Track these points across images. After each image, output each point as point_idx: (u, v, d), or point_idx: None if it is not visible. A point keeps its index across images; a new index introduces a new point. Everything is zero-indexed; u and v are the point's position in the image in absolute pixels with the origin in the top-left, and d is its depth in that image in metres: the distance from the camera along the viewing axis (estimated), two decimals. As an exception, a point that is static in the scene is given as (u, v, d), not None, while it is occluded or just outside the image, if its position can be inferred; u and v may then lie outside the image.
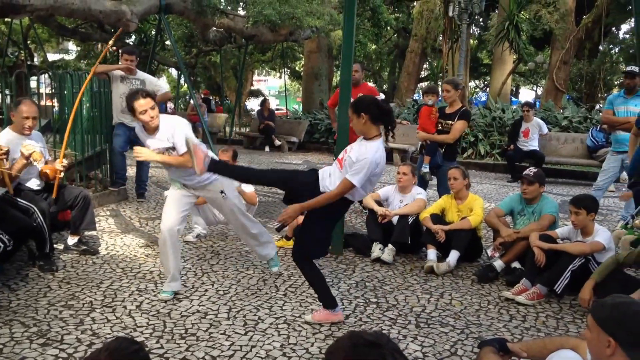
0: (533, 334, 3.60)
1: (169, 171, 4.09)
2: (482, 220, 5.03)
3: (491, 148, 12.14)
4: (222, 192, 4.04)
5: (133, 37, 20.66)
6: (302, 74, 23.05)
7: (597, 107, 15.70)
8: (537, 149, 10.05)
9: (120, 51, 7.22)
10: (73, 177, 6.44)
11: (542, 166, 9.57)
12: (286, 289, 4.26)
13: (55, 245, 4.74)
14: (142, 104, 3.74)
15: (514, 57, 18.16)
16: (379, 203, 5.41)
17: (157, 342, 3.26)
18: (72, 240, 4.89)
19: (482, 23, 23.89)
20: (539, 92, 30.15)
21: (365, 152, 3.36)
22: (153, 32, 16.53)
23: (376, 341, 1.57)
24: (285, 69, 24.70)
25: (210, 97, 21.77)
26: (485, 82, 30.70)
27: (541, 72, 24.18)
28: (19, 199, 4.36)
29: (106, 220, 6.09)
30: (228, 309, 3.81)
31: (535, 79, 29.65)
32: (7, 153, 3.97)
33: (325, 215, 3.54)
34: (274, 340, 3.35)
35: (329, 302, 3.65)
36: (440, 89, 8.23)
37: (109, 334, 3.33)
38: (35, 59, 24.05)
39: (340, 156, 3.58)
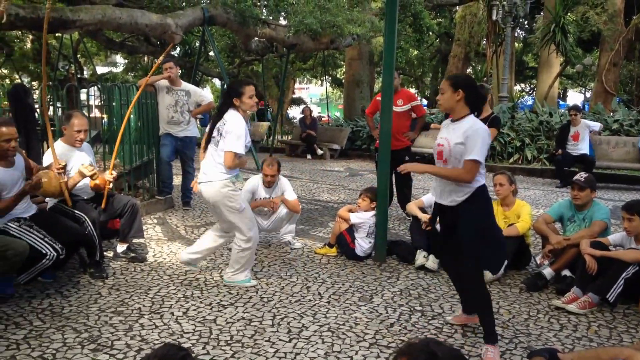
0: (585, 343, 3.49)
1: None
2: (530, 227, 4.92)
3: (538, 153, 11.88)
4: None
5: (178, 49, 21.14)
6: (343, 81, 23.09)
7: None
8: (588, 152, 9.76)
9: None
10: (122, 186, 6.60)
11: (592, 171, 9.31)
12: (330, 296, 4.25)
13: (105, 253, 4.87)
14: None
15: (561, 59, 17.78)
16: (423, 210, 5.35)
17: (203, 348, 3.29)
18: (121, 247, 5.01)
19: (527, 26, 23.49)
20: (588, 95, 29.37)
21: (472, 126, 3.23)
22: (197, 44, 16.84)
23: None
24: (327, 77, 24.80)
25: (269, 107, 21.94)
26: (532, 86, 30.14)
27: (590, 74, 23.57)
28: (70, 209, 4.50)
29: (153, 228, 6.22)
30: (272, 316, 3.83)
31: (583, 81, 28.91)
32: (64, 167, 4.11)
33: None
34: (318, 348, 3.35)
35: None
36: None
37: (157, 340, 3.39)
38: (85, 72, 24.88)
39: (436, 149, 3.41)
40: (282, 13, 15.14)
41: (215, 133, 4.19)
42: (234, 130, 4.07)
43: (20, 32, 19.41)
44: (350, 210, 5.42)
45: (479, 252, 3.29)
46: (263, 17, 13.63)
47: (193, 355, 3.09)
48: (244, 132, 4.09)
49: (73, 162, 4.65)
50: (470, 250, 3.29)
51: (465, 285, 3.59)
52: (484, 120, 5.66)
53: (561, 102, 23.60)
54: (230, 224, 4.32)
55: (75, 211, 4.50)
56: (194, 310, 3.90)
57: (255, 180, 5.59)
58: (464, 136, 3.23)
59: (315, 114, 27.79)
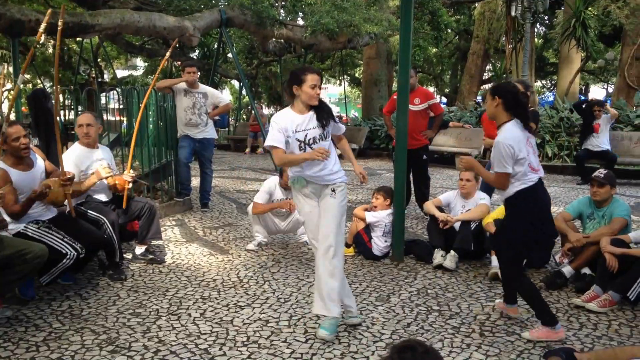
0: (605, 342, 3.44)
1: (295, 167, 3.67)
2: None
3: (559, 149, 11.73)
4: (333, 190, 3.62)
5: (197, 51, 21.30)
6: (361, 80, 23.03)
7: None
8: (609, 148, 9.60)
9: (181, 65, 7.44)
10: (141, 189, 6.67)
11: (613, 167, 9.16)
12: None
13: (124, 255, 4.92)
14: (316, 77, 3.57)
15: (582, 54, 17.52)
16: (441, 209, 5.32)
17: (220, 349, 3.31)
18: (139, 249, 5.06)
19: (547, 21, 23.16)
20: (610, 90, 28.90)
21: (498, 137, 3.50)
22: (215, 46, 16.94)
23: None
24: (345, 76, 24.76)
25: None
26: (552, 82, 29.73)
27: (612, 69, 23.16)
28: (89, 211, 4.56)
29: (172, 229, 6.27)
30: (289, 316, 3.84)
31: (605, 76, 28.43)
32: (71, 179, 4.15)
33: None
34: (334, 348, 3.34)
35: (547, 319, 3.47)
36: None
37: (174, 341, 3.42)
38: (105, 76, 25.16)
39: None
40: (299, 13, 15.19)
41: None
42: (271, 124, 3.67)
43: (43, 38, 19.70)
44: (366, 210, 5.41)
45: (515, 249, 3.57)
46: (280, 18, 13.67)
47: (209, 356, 3.11)
48: (275, 125, 3.57)
49: (89, 163, 4.71)
50: (505, 246, 3.63)
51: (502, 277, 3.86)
52: None
53: (582, 98, 23.25)
54: None
55: (94, 213, 4.56)
56: (211, 311, 3.92)
57: (273, 182, 5.61)
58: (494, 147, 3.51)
59: (334, 113, 27.72)
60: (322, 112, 3.62)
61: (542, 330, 3.47)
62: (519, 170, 3.44)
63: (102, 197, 4.83)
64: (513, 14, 13.64)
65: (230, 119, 21.71)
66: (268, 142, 3.57)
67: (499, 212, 5.04)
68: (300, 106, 3.61)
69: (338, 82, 30.25)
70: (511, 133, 3.44)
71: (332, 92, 43.20)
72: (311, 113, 3.60)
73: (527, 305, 4.02)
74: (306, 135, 3.57)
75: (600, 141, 9.55)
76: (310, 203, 3.66)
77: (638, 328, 3.67)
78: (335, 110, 34.89)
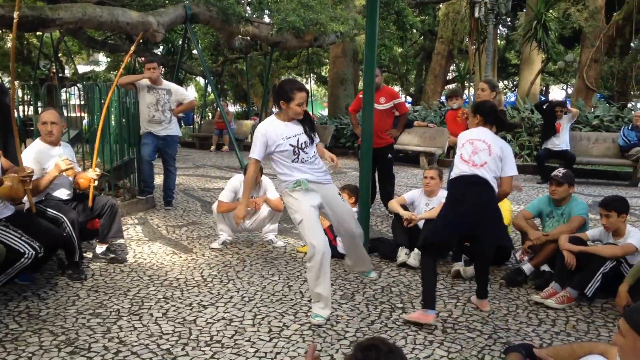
0: (563, 338, 3.52)
1: (295, 172, 3.78)
2: (510, 223, 4.95)
3: (520, 149, 11.96)
4: (339, 193, 4.04)
5: (161, 47, 21.00)
6: (327, 79, 23.07)
7: (629, 105, 15.34)
8: (569, 148, 9.83)
9: (143, 62, 7.33)
10: (102, 187, 6.54)
11: (572, 167, 9.39)
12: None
13: (84, 254, 4.82)
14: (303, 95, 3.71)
15: (543, 56, 17.89)
16: (405, 207, 5.36)
17: (183, 349, 3.27)
18: (100, 248, 4.96)
19: (509, 23, 23.58)
20: (570, 91, 29.61)
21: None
22: (180, 42, 16.73)
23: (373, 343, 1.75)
24: (311, 75, 24.76)
25: (253, 105, 21.79)
26: (514, 83, 30.30)
27: (571, 71, 23.72)
28: (48, 209, 4.45)
29: (134, 228, 6.17)
30: (253, 315, 3.82)
31: (565, 78, 29.11)
32: (31, 175, 4.05)
33: None
34: (299, 347, 3.34)
35: (427, 303, 3.70)
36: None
37: (136, 341, 3.36)
38: (67, 71, 24.60)
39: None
40: (266, 11, 15.11)
41: None
42: (256, 134, 3.81)
43: (0, 32, 19.19)
44: None
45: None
46: (246, 15, 13.58)
47: (172, 356, 3.07)
48: (261, 138, 3.73)
49: (51, 161, 4.59)
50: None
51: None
52: None
53: (543, 99, 23.76)
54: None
55: (54, 212, 4.45)
56: (173, 311, 3.87)
57: (238, 180, 5.57)
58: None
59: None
60: (307, 122, 3.85)
61: (417, 313, 3.72)
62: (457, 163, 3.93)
63: (63, 195, 4.72)
64: (476, 15, 13.84)
65: (195, 116, 21.49)
66: (252, 155, 3.76)
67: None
68: (287, 116, 3.79)
69: (304, 80, 30.25)
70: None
71: (299, 90, 43.14)
72: (296, 121, 3.81)
73: (487, 301, 4.10)
74: (298, 140, 3.75)
75: (561, 141, 9.78)
76: (312, 202, 3.73)
77: (595, 324, 3.77)
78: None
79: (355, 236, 4.11)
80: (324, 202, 3.85)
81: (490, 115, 3.98)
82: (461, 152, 3.92)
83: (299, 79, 32.18)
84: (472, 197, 3.73)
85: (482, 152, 3.83)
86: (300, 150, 3.75)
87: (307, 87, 25.96)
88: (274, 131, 3.73)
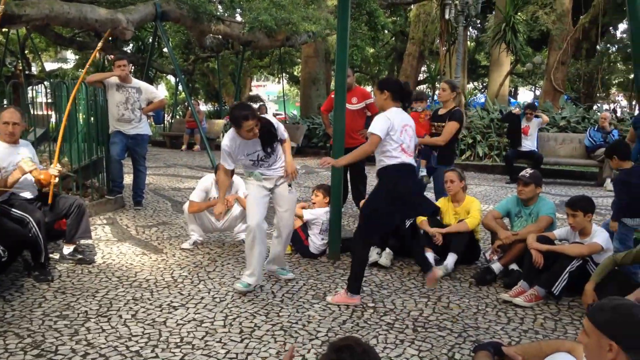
0: (531, 336, 3.58)
1: (248, 166, 4.28)
2: (480, 223, 5.01)
3: (489, 150, 12.13)
4: (289, 185, 4.35)
5: (131, 45, 20.70)
6: (300, 78, 23.06)
7: (595, 107, 15.68)
8: (536, 149, 10.02)
9: (112, 59, 7.23)
10: (69, 186, 6.42)
11: (540, 167, 9.56)
12: (283, 294, 4.24)
13: (50, 255, 4.72)
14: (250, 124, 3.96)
15: (512, 58, 18.19)
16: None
17: (152, 351, 3.23)
18: (67, 249, 4.87)
19: (479, 25, 23.90)
20: (538, 92, 30.14)
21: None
22: (150, 40, 16.52)
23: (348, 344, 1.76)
24: (283, 74, 24.70)
25: (225, 105, 21.64)
26: (484, 84, 30.71)
27: (539, 72, 24.19)
28: (13, 210, 4.34)
29: (102, 228, 6.07)
30: (224, 316, 3.79)
31: (533, 79, 29.66)
32: None
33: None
34: (270, 347, 3.32)
35: (353, 288, 4.01)
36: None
37: (104, 343, 3.30)
38: (33, 69, 24.09)
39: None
40: (237, 10, 15.03)
41: None
42: (222, 147, 4.25)
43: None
44: (304, 208, 5.41)
45: (366, 222, 4.05)
46: (218, 13, 13.48)
47: (141, 358, 3.03)
48: (225, 150, 4.20)
49: (11, 160, 4.49)
50: (363, 211, 4.15)
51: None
52: (446, 115, 5.76)
53: (512, 100, 24.13)
54: None
55: (19, 212, 4.35)
56: (143, 312, 3.82)
57: (209, 180, 5.52)
58: None
59: (273, 111, 27.62)
60: (265, 139, 4.15)
61: (342, 296, 4.03)
62: (387, 148, 3.95)
63: (27, 195, 4.61)
64: (447, 17, 14.00)
65: (165, 115, 21.24)
66: (223, 163, 4.27)
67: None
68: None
69: (277, 80, 30.17)
70: (394, 113, 3.99)
71: (271, 90, 43.01)
72: (256, 139, 4.12)
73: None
74: (258, 155, 4.20)
75: (529, 143, 9.97)
76: (263, 191, 4.28)
77: (562, 322, 3.84)
78: (274, 108, 34.77)
79: (288, 234, 4.49)
80: (273, 195, 4.35)
81: (397, 91, 4.04)
82: (402, 141, 3.99)
83: (271, 78, 32.14)
84: (411, 185, 4.11)
85: (411, 140, 4.09)
86: (259, 161, 4.23)
87: (279, 87, 25.71)
88: (237, 148, 4.16)
